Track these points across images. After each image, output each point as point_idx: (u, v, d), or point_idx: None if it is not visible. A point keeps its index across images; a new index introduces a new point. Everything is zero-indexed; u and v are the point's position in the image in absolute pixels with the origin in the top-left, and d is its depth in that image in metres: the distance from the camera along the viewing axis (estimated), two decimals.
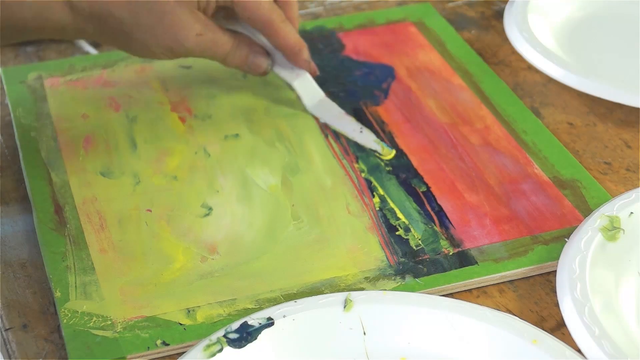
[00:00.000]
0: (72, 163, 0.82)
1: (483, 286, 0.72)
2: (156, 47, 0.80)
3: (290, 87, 0.87)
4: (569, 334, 0.65)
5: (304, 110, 0.86)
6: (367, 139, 0.84)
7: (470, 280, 0.71)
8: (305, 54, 0.85)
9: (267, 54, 0.85)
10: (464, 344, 0.65)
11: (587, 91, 0.86)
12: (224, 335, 0.64)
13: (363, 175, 0.81)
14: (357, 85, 0.91)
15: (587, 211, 0.76)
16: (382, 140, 0.84)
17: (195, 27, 0.80)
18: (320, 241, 0.75)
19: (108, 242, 0.74)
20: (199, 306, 0.69)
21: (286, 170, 0.81)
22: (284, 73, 0.86)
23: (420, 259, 0.73)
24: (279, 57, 0.86)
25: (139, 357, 0.66)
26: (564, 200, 0.78)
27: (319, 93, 0.87)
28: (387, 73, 0.93)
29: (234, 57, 0.83)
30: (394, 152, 0.83)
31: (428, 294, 0.70)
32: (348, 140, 0.85)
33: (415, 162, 0.82)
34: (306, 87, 0.86)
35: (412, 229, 0.76)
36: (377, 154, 0.83)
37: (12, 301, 0.71)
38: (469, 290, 0.71)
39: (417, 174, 0.81)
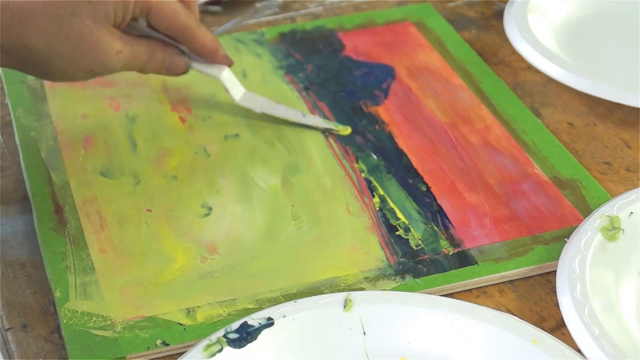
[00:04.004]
0: (72, 163, 0.82)
1: (483, 286, 0.72)
2: (76, 72, 0.77)
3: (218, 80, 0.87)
4: (569, 334, 0.65)
5: (234, 103, 0.88)
6: (314, 120, 0.86)
7: (470, 280, 0.71)
8: (222, 50, 0.84)
9: (182, 52, 0.83)
10: (464, 344, 0.65)
11: (587, 91, 0.86)
12: (224, 335, 0.64)
13: (363, 175, 0.81)
14: (357, 85, 0.91)
15: (587, 211, 0.76)
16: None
17: (114, 45, 0.77)
18: (320, 241, 0.75)
19: (108, 242, 0.74)
20: (199, 306, 0.69)
21: (286, 170, 0.81)
22: (206, 69, 0.85)
23: (420, 259, 0.73)
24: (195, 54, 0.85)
25: (139, 357, 0.66)
26: (564, 200, 0.78)
27: (241, 86, 0.87)
28: (387, 73, 0.93)
29: (152, 65, 0.81)
30: (349, 128, 0.85)
31: (428, 294, 0.70)
32: (348, 140, 0.85)
33: (415, 162, 0.82)
34: (232, 80, 0.86)
35: (412, 229, 0.76)
36: (334, 131, 0.85)
37: (12, 301, 0.71)
38: (469, 290, 0.71)
39: (417, 174, 0.81)
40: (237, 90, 0.87)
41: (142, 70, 0.81)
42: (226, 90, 0.86)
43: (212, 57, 0.84)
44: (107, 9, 0.76)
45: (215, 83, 0.92)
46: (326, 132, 0.84)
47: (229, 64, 0.85)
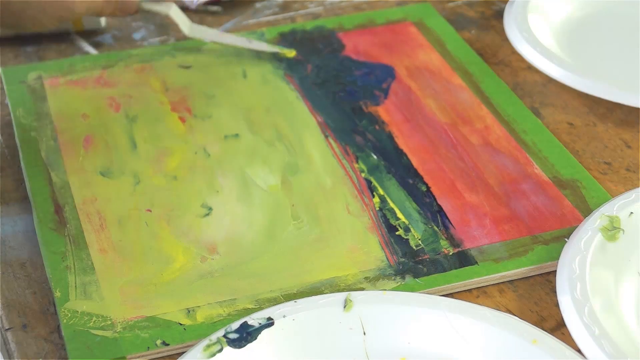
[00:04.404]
0: (72, 163, 0.82)
1: (483, 286, 0.72)
2: (47, 19, 0.84)
3: (164, 17, 0.95)
4: (569, 334, 0.65)
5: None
6: (260, 46, 0.93)
7: (470, 280, 0.71)
8: None
9: None
10: (464, 344, 0.65)
11: (587, 91, 0.86)
12: (224, 335, 0.64)
13: (363, 175, 0.81)
14: (357, 85, 0.91)
15: (587, 211, 0.76)
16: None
17: None
18: (320, 241, 0.75)
19: (108, 242, 0.74)
20: (199, 306, 0.69)
21: (286, 170, 0.81)
22: (155, 6, 0.90)
23: (420, 259, 0.73)
24: None
25: (139, 357, 0.66)
26: (564, 200, 0.78)
27: (187, 20, 0.93)
28: (387, 73, 0.93)
29: (107, 7, 0.86)
30: (294, 51, 0.93)
31: (428, 294, 0.70)
32: (348, 140, 0.84)
33: (415, 162, 0.82)
34: (179, 15, 0.92)
35: (412, 229, 0.76)
36: (280, 55, 0.92)
37: (12, 301, 0.71)
38: (469, 290, 0.71)
39: (417, 174, 0.81)
40: (185, 24, 0.93)
41: (100, 13, 0.87)
42: (176, 24, 0.92)
43: None
44: None
45: (215, 83, 0.92)
46: (274, 56, 0.91)
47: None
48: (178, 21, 0.92)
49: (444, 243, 0.74)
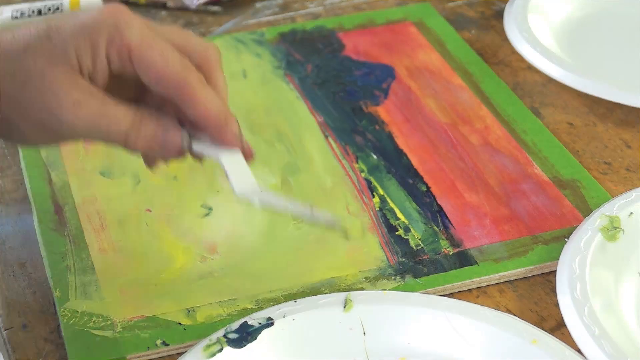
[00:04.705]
0: (72, 163, 0.82)
1: (483, 286, 0.72)
2: (24, 124, 0.61)
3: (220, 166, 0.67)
4: (569, 334, 0.65)
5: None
6: (323, 217, 0.68)
7: (470, 280, 0.71)
8: (234, 126, 0.63)
9: (183, 125, 0.64)
10: (464, 344, 0.65)
11: (587, 91, 0.86)
12: (224, 335, 0.64)
13: (363, 175, 0.81)
14: (357, 85, 0.91)
15: (587, 211, 0.76)
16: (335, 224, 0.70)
17: (72, 93, 0.60)
18: (320, 241, 0.75)
19: (108, 242, 0.74)
20: (199, 306, 0.69)
21: (286, 170, 0.81)
22: (209, 149, 0.64)
23: (420, 259, 0.73)
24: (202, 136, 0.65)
25: (139, 357, 0.66)
26: (564, 200, 0.78)
27: (250, 176, 0.65)
28: (387, 73, 0.93)
29: (138, 137, 0.62)
30: (353, 231, 0.75)
31: (428, 294, 0.70)
32: (348, 140, 0.84)
33: (415, 162, 0.82)
34: (237, 166, 0.65)
35: (412, 229, 0.76)
36: (339, 230, 0.73)
37: (12, 301, 0.71)
38: (469, 290, 0.71)
39: (417, 174, 0.81)
40: (237, 179, 0.65)
41: (125, 142, 0.62)
42: (226, 177, 0.65)
43: (219, 133, 0.63)
44: (66, 48, 0.60)
45: None
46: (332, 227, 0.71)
47: (245, 149, 0.64)
48: (229, 173, 0.64)
49: (444, 243, 0.74)
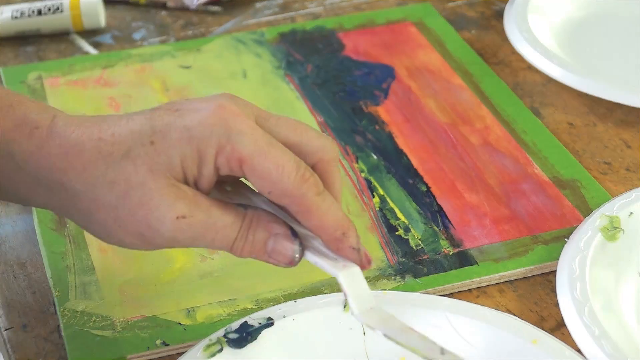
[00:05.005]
0: None
1: (483, 286, 0.72)
2: (122, 232, 0.58)
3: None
4: (569, 334, 0.65)
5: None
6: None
7: (470, 280, 0.71)
8: (352, 239, 0.59)
9: (294, 234, 0.60)
10: (464, 344, 0.65)
11: (587, 91, 0.86)
12: (224, 335, 0.64)
13: (363, 175, 0.81)
14: (357, 85, 0.91)
15: (587, 211, 0.76)
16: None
17: (176, 206, 0.57)
18: None
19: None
20: (199, 306, 0.69)
21: None
22: (323, 262, 0.60)
23: (420, 259, 0.73)
24: (315, 240, 0.61)
25: (139, 357, 0.66)
26: (564, 200, 0.78)
27: (371, 296, 0.61)
28: (387, 73, 0.93)
29: (245, 245, 0.60)
30: None
31: (428, 294, 0.69)
32: (348, 140, 0.84)
33: (415, 162, 0.82)
34: (356, 284, 0.60)
35: (412, 229, 0.76)
36: None
37: (12, 301, 0.71)
38: (469, 290, 0.71)
39: (417, 174, 0.81)
40: (361, 300, 0.60)
41: (231, 249, 0.60)
42: (345, 295, 0.60)
43: (335, 245, 0.59)
44: (171, 156, 0.57)
45: (215, 83, 0.91)
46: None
47: (361, 260, 0.60)
48: (348, 292, 0.59)
49: (444, 243, 0.74)
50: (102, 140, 0.58)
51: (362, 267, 0.60)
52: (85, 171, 0.57)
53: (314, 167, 0.59)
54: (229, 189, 0.61)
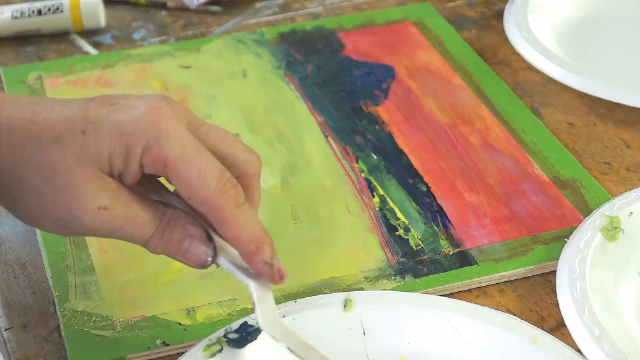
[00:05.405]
0: None
1: (483, 286, 0.72)
2: (42, 216, 0.59)
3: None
4: (569, 334, 0.65)
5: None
6: None
7: (470, 280, 0.71)
8: (265, 253, 0.60)
9: (209, 238, 0.61)
10: (464, 344, 0.65)
11: (587, 91, 0.86)
12: (224, 335, 0.64)
13: (363, 175, 0.81)
14: (356, 85, 0.91)
15: (587, 211, 0.76)
16: None
17: (99, 197, 0.57)
18: (320, 241, 0.75)
19: (108, 242, 0.74)
20: (199, 306, 0.69)
21: (286, 170, 0.81)
22: (236, 270, 0.61)
23: (420, 259, 0.73)
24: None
25: (139, 357, 0.66)
26: (564, 200, 0.78)
27: (275, 311, 0.62)
28: (387, 73, 0.93)
29: (160, 243, 0.60)
30: None
31: (428, 294, 0.70)
32: (348, 140, 0.84)
33: (415, 162, 0.82)
34: (265, 296, 0.61)
35: (412, 229, 0.76)
36: None
37: (12, 301, 0.71)
38: (469, 290, 0.71)
39: (417, 174, 0.81)
40: (267, 313, 0.62)
41: (146, 245, 0.61)
42: (253, 305, 0.61)
43: (249, 258, 0.60)
44: (100, 149, 0.57)
45: (215, 83, 0.91)
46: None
47: (273, 275, 0.61)
48: (256, 302, 0.61)
49: (444, 243, 0.74)
50: (34, 123, 0.58)
51: (273, 282, 0.61)
52: (13, 151, 0.58)
53: (237, 179, 0.60)
54: (145, 183, 0.62)
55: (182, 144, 0.58)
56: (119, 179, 0.59)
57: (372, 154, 0.83)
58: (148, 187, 0.62)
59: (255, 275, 0.61)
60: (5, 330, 0.68)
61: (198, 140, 0.59)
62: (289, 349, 0.60)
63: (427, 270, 0.72)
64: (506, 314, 0.66)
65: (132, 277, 0.72)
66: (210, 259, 0.61)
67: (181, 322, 0.68)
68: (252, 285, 0.61)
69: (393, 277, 0.72)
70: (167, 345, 0.66)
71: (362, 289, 0.70)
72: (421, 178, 0.80)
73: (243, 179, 0.61)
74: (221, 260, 0.61)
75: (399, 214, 0.77)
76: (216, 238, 0.61)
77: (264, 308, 0.61)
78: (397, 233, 0.75)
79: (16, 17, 0.97)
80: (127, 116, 0.58)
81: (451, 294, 0.71)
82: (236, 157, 0.61)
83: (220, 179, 0.58)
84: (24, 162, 0.58)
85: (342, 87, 0.91)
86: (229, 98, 0.89)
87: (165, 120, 0.58)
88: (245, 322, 0.64)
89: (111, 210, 0.58)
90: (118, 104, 0.59)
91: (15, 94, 0.61)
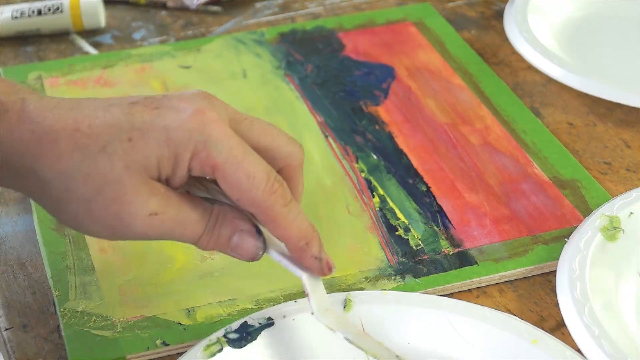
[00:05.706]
0: None
1: (483, 286, 0.72)
2: (93, 224, 0.59)
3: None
4: (569, 334, 0.65)
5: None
6: None
7: (470, 280, 0.71)
8: (315, 248, 0.61)
9: (258, 231, 0.62)
10: (464, 344, 0.65)
11: (587, 91, 0.86)
12: (224, 335, 0.64)
13: (363, 175, 0.81)
14: (356, 85, 0.91)
15: (587, 211, 0.76)
16: None
17: (148, 204, 0.58)
18: None
19: (108, 242, 0.74)
20: (199, 306, 0.69)
21: None
22: (287, 262, 0.63)
23: (420, 259, 0.73)
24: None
25: (139, 357, 0.66)
26: (564, 200, 0.78)
27: (328, 301, 0.63)
28: (387, 73, 0.93)
29: (210, 240, 0.61)
30: None
31: (428, 294, 0.69)
32: (348, 140, 0.84)
33: (415, 162, 0.82)
34: (318, 287, 0.63)
35: (412, 229, 0.76)
36: None
37: (12, 301, 0.71)
38: (469, 290, 0.71)
39: (417, 174, 0.81)
40: (320, 302, 0.63)
41: (196, 243, 0.61)
42: (307, 296, 0.62)
43: (299, 254, 0.61)
44: (148, 156, 0.58)
45: (215, 83, 0.91)
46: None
47: (322, 268, 0.62)
48: (310, 292, 0.62)
49: (444, 243, 0.74)
50: (79, 132, 0.58)
51: (322, 275, 0.62)
52: (59, 161, 0.57)
53: (280, 171, 0.62)
54: (190, 181, 0.62)
55: (229, 147, 0.58)
56: (167, 182, 0.59)
57: (372, 154, 0.83)
58: (193, 182, 0.62)
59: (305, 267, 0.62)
60: (5, 330, 0.68)
61: (244, 142, 0.59)
62: (347, 339, 0.61)
63: (427, 270, 0.72)
64: (506, 314, 0.66)
65: (132, 277, 0.72)
66: (261, 252, 0.62)
67: (181, 322, 0.68)
68: (305, 277, 0.62)
69: (393, 277, 0.72)
70: (167, 345, 0.66)
71: (362, 289, 0.70)
72: (421, 178, 0.80)
73: (286, 171, 0.62)
74: (272, 253, 0.62)
75: (399, 214, 0.77)
76: (263, 230, 0.62)
77: (317, 298, 0.62)
78: (397, 233, 0.75)
79: (16, 17, 0.97)
80: (173, 122, 0.58)
81: (451, 294, 0.71)
82: (279, 150, 0.62)
83: (269, 180, 0.59)
84: (71, 173, 0.58)
85: (342, 87, 0.91)
86: (229, 98, 0.89)
87: (212, 124, 0.58)
88: (245, 322, 0.64)
89: (161, 215, 0.58)
90: (162, 107, 0.59)
91: (53, 96, 0.60)
